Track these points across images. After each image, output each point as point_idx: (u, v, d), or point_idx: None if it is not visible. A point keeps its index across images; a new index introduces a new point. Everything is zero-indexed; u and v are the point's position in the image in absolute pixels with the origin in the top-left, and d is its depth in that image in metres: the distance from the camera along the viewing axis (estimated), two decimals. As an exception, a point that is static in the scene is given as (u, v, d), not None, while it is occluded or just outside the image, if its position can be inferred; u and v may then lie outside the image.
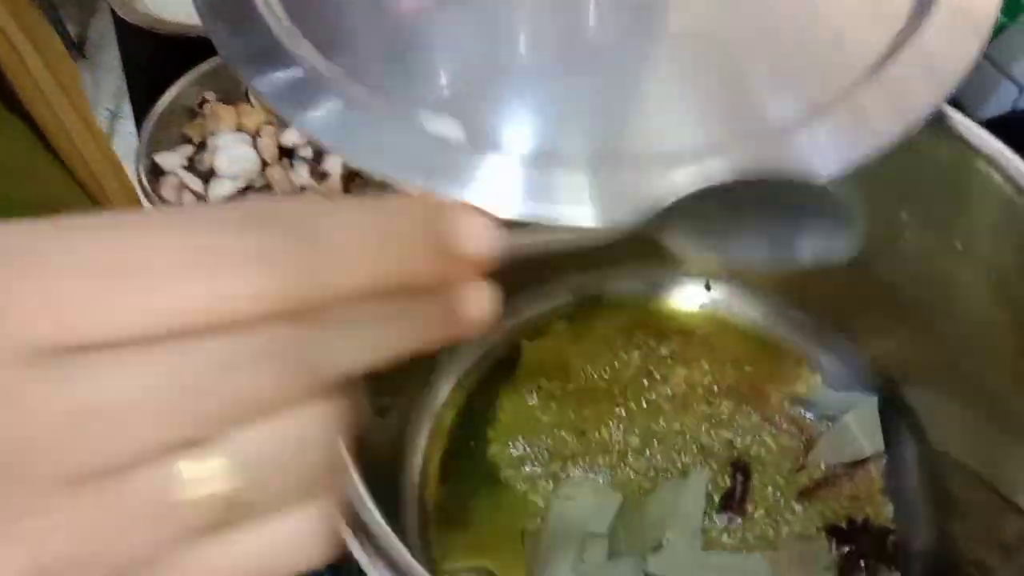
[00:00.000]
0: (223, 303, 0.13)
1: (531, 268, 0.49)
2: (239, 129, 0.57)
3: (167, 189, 0.54)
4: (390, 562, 0.26)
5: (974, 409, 0.41)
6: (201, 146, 0.56)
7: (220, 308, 0.13)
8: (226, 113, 0.57)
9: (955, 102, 0.32)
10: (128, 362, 0.13)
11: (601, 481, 0.44)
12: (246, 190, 0.55)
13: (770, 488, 0.45)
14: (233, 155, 0.55)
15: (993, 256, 0.36)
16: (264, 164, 0.55)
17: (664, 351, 0.49)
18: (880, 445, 0.45)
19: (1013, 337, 0.35)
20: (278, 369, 0.14)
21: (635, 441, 0.46)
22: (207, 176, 0.55)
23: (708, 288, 0.52)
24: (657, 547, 0.42)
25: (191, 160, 0.55)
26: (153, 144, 0.55)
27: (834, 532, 0.43)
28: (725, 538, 0.43)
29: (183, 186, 0.55)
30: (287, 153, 0.56)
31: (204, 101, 0.58)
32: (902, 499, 0.45)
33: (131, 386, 0.13)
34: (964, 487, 0.41)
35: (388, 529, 0.27)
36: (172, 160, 0.55)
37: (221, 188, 0.55)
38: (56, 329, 0.13)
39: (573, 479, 0.44)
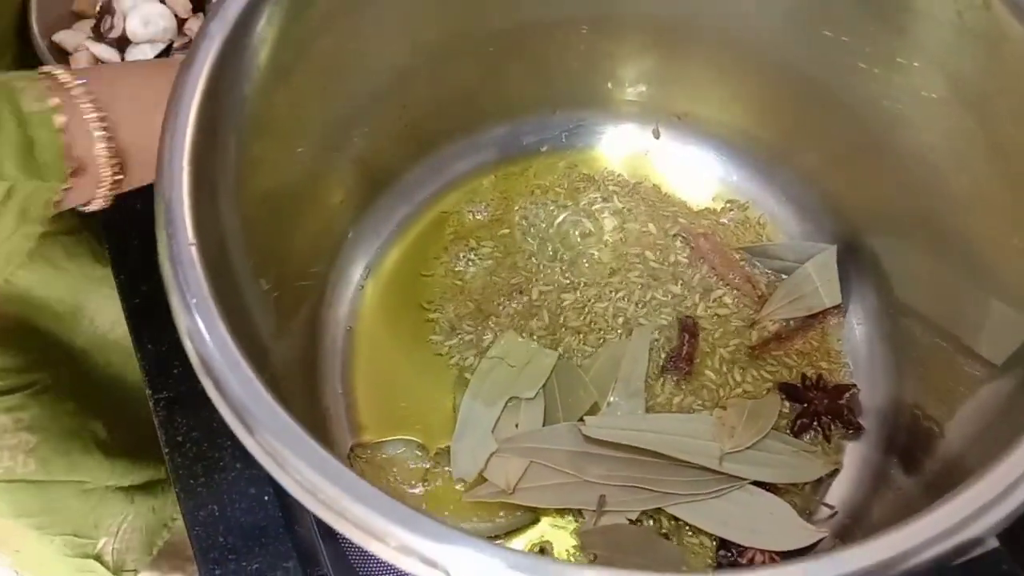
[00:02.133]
0: None
1: (455, 117, 0.45)
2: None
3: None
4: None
5: (937, 255, 0.37)
6: (102, 15, 0.49)
7: None
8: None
9: None
10: None
11: (536, 343, 0.41)
12: (167, 50, 0.49)
13: (719, 347, 0.41)
14: (145, 15, 0.48)
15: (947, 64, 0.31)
16: (180, 20, 0.49)
17: (605, 203, 0.45)
18: (837, 297, 0.42)
19: (976, 155, 0.31)
20: None
21: (572, 299, 0.42)
22: (121, 44, 0.48)
23: (657, 137, 0.47)
24: (595, 411, 0.39)
25: (97, 32, 0.48)
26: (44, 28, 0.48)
27: (786, 389, 0.40)
28: (671, 400, 0.40)
29: (97, 60, 0.48)
30: (200, 5, 0.50)
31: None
32: (859, 354, 0.42)
33: None
34: (924, 339, 0.38)
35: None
36: (75, 38, 0.49)
37: (140, 53, 0.48)
38: None
39: (505, 338, 0.41)
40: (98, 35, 0.48)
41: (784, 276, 0.43)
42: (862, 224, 0.42)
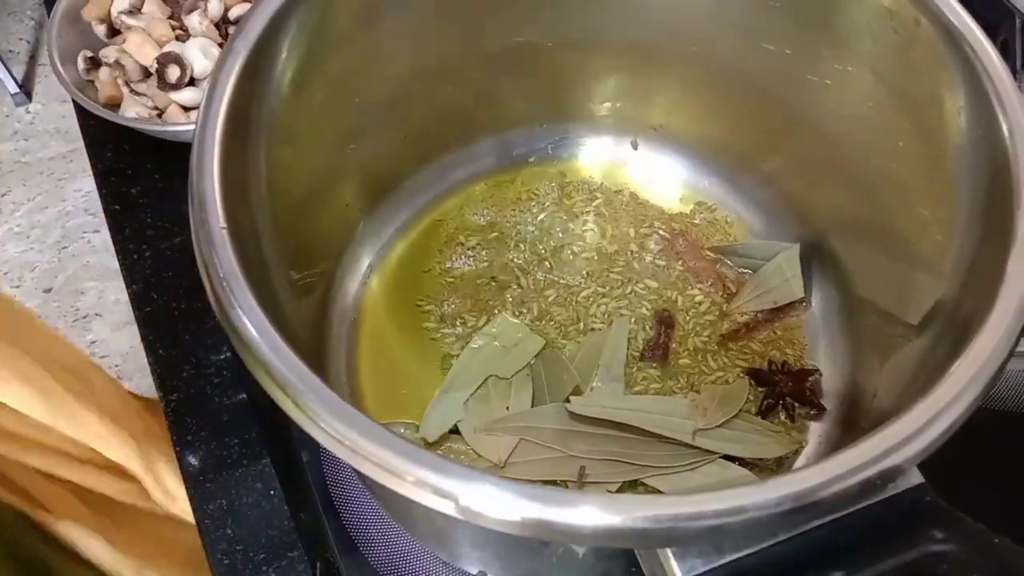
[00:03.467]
0: None
1: (451, 130, 0.49)
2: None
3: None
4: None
5: (886, 250, 0.41)
6: (164, 65, 0.51)
7: None
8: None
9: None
10: None
11: (528, 327, 0.44)
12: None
13: (692, 337, 0.45)
14: (202, 45, 0.51)
15: (874, 60, 0.36)
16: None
17: (587, 208, 0.49)
18: (800, 291, 0.46)
19: (916, 149, 0.35)
20: None
21: (555, 295, 0.46)
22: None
23: (635, 148, 0.51)
24: (579, 394, 0.42)
25: (163, 83, 0.51)
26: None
27: (754, 374, 0.44)
28: (648, 386, 0.44)
29: (185, 109, 0.51)
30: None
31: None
32: (821, 342, 0.45)
33: None
34: (877, 325, 0.42)
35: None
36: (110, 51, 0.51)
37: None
38: None
39: (500, 318, 0.45)
40: (165, 85, 0.51)
41: (751, 272, 0.47)
42: (820, 224, 0.46)
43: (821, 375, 0.44)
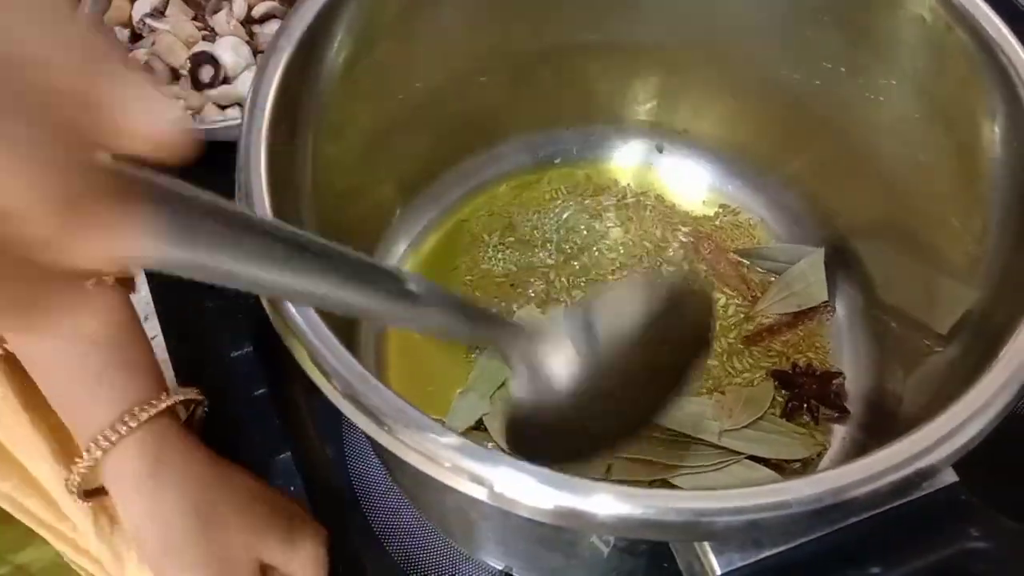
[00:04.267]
0: None
1: (479, 132, 0.49)
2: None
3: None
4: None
5: (912, 255, 0.41)
6: (198, 65, 0.51)
7: None
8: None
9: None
10: None
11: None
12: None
13: (719, 338, 0.46)
14: (232, 44, 0.52)
15: (910, 70, 0.36)
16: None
17: (613, 209, 0.49)
18: (824, 294, 0.46)
19: (950, 159, 0.35)
20: None
21: (580, 295, 0.46)
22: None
23: (660, 151, 0.52)
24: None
25: (196, 82, 0.51)
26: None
27: (779, 376, 0.44)
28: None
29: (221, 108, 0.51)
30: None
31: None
32: (845, 346, 0.46)
33: None
34: (902, 331, 0.42)
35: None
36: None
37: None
38: None
39: (526, 310, 0.45)
40: (200, 85, 0.51)
41: (776, 276, 0.48)
42: (845, 229, 0.46)
43: (845, 378, 0.45)
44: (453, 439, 0.25)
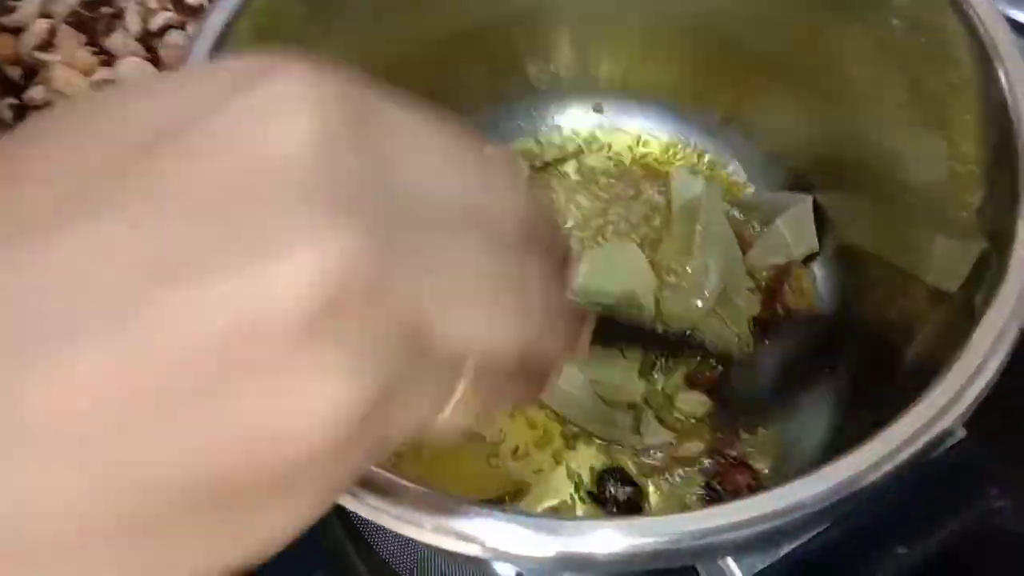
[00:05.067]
0: None
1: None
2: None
3: None
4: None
5: (883, 202, 0.40)
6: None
7: None
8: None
9: None
10: None
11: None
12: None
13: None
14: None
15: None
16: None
17: (567, 176, 0.47)
18: (814, 243, 0.44)
19: (908, 109, 0.34)
20: None
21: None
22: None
23: (599, 111, 0.49)
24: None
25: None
26: None
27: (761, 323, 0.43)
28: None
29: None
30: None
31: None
32: (825, 291, 0.45)
33: None
34: (874, 272, 0.41)
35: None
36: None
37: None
38: None
39: None
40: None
41: (764, 225, 0.45)
42: (814, 178, 0.44)
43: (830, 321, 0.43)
44: (431, 497, 0.23)
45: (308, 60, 0.14)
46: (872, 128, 0.38)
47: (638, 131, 0.49)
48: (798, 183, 0.45)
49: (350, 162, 0.13)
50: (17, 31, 0.53)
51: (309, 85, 0.13)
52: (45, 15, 0.53)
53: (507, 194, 0.15)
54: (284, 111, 0.13)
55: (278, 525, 0.14)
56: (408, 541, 0.40)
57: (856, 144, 0.39)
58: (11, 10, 0.52)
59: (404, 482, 0.23)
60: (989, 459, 0.25)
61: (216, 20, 0.32)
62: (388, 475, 0.23)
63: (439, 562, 0.41)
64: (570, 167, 0.48)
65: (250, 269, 0.12)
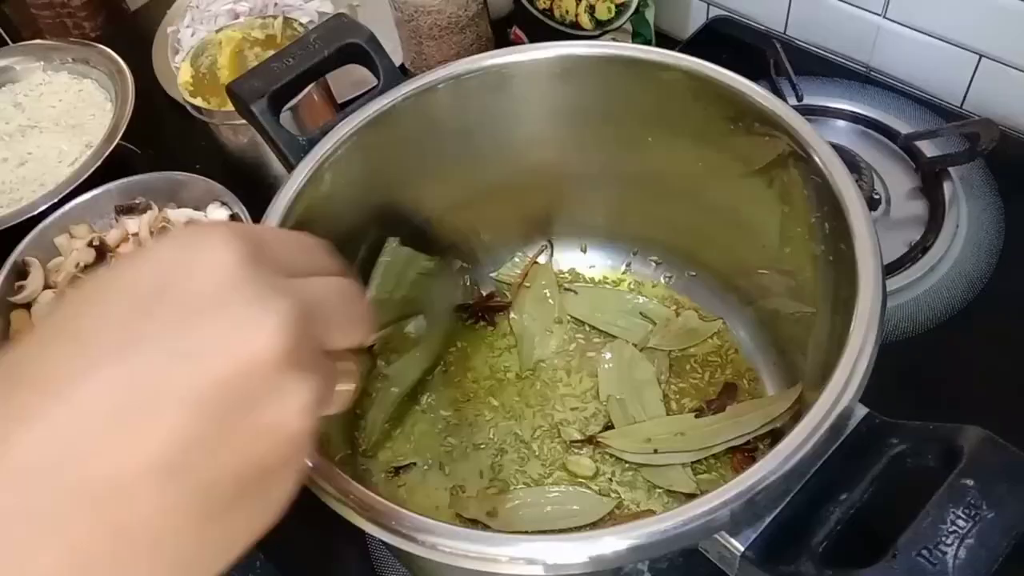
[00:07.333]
0: None
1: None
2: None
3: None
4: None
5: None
6: None
7: None
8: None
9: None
10: None
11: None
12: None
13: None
14: None
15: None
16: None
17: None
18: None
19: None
20: None
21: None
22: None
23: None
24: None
25: None
26: None
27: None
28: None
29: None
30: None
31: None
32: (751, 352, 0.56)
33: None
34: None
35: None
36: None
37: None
38: None
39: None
40: None
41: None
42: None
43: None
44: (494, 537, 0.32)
45: (223, 224, 0.26)
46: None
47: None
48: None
49: (259, 264, 0.23)
50: (28, 306, 0.63)
51: (223, 237, 0.23)
52: (49, 286, 0.64)
53: (323, 257, 0.28)
54: (212, 251, 0.23)
55: (285, 489, 0.24)
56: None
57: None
58: (21, 288, 0.63)
59: (472, 530, 0.32)
60: (888, 420, 0.35)
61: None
62: (455, 527, 0.32)
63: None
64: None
65: (237, 334, 0.22)
